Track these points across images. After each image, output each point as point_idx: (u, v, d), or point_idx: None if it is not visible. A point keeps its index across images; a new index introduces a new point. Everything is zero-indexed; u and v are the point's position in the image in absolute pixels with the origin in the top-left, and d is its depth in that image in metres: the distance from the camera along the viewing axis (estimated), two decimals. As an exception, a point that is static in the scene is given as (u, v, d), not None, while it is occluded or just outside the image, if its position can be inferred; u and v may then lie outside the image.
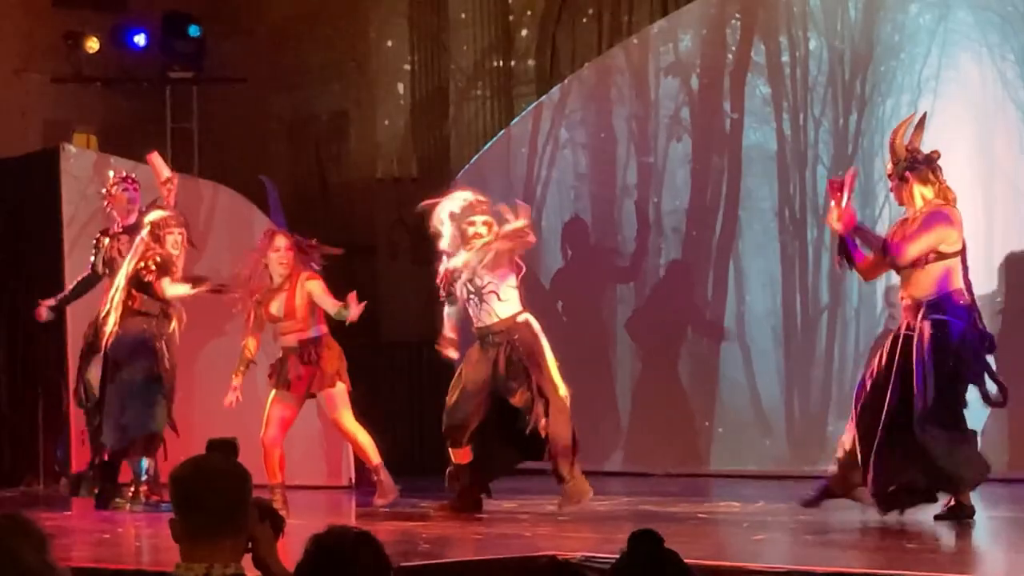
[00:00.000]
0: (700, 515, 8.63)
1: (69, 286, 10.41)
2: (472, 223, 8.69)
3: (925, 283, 7.93)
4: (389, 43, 13.34)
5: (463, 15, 12.99)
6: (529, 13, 12.84)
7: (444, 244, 8.80)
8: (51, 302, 10.26)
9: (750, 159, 11.59)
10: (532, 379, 8.51)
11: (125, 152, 12.12)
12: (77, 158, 11.91)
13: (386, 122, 13.40)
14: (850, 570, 6.27)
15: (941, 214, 7.97)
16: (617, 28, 12.27)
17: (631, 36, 12.09)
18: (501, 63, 12.92)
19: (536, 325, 8.72)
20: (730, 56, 11.70)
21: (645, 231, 11.80)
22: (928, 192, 8.05)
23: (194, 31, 13.12)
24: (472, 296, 8.72)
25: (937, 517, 7.81)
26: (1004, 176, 10.66)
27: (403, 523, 8.55)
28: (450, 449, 8.85)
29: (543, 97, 12.36)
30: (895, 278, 11.04)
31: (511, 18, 12.88)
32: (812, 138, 11.42)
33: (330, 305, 9.06)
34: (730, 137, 11.69)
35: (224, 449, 3.67)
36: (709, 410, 11.56)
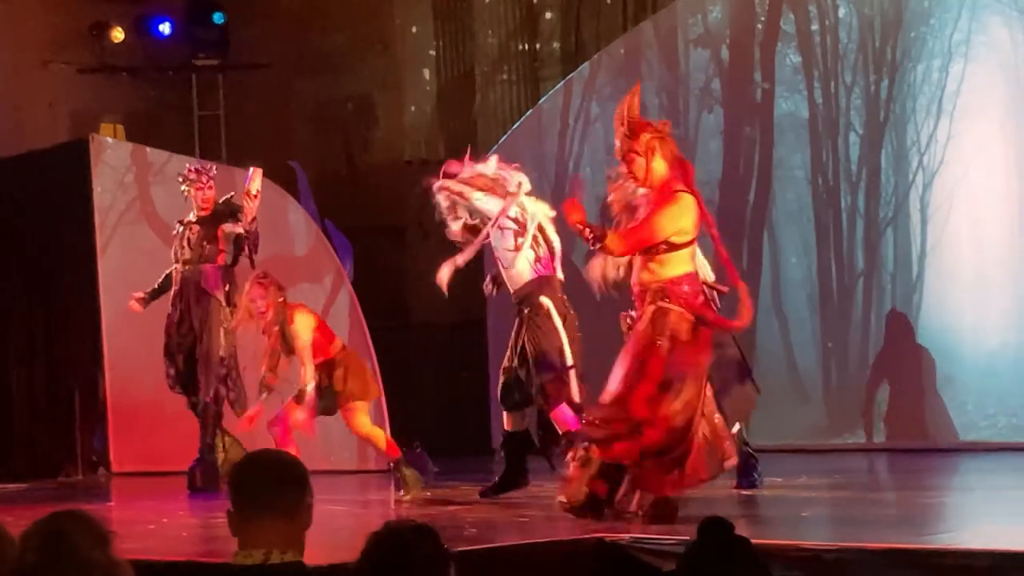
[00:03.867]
0: (743, 492, 8.58)
1: (159, 279, 10.37)
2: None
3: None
4: (414, 29, 13.28)
5: (487, -1, 12.95)
6: (553, -5, 12.79)
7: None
8: (141, 295, 10.24)
9: (782, 128, 11.53)
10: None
11: (152, 141, 12.12)
12: (113, 148, 11.92)
13: (412, 108, 13.36)
14: (901, 546, 6.22)
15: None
16: (642, 8, 12.21)
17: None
18: (526, 46, 12.86)
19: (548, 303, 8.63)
20: (759, 26, 11.63)
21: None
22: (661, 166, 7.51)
23: (218, 18, 13.07)
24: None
25: None
26: (1037, 138, 10.61)
27: (446, 507, 8.53)
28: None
29: (572, 73, 12.30)
30: (929, 243, 11.06)
31: (535, 1, 12.82)
32: (844, 105, 11.36)
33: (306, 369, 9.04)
34: (761, 107, 11.63)
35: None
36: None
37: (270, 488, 3.57)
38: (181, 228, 10.18)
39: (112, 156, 11.79)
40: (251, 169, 9.90)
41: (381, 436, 9.26)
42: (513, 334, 8.66)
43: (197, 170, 10.18)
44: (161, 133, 12.71)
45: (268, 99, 13.29)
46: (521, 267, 8.63)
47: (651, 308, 7.38)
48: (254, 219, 9.77)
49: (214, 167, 10.40)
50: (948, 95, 10.93)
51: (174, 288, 10.15)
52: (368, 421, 9.21)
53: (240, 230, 9.89)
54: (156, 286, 10.28)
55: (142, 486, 10.92)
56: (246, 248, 9.83)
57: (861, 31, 11.27)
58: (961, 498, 9.15)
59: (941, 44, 10.97)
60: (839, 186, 11.37)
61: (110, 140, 12.19)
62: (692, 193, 7.48)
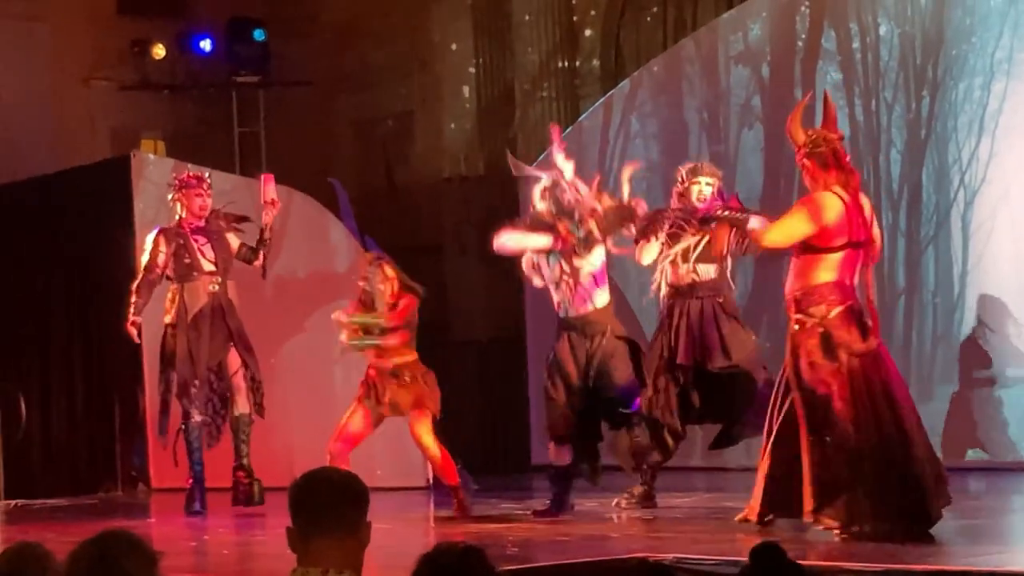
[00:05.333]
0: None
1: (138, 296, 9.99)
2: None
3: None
4: (454, 46, 13.31)
5: (527, 16, 12.94)
6: (593, 13, 12.78)
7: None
8: (138, 320, 9.94)
9: (823, 146, 11.47)
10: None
11: (193, 157, 12.17)
12: (155, 165, 11.97)
13: (452, 125, 13.38)
14: (946, 568, 6.17)
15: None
16: (682, 25, 12.20)
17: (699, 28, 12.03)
18: (566, 63, 12.87)
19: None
20: (800, 43, 11.61)
21: (719, 220, 11.71)
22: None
23: (259, 35, 13.14)
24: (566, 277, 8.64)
25: None
26: (1080, 156, 10.55)
27: (486, 525, 8.51)
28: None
29: (613, 90, 12.30)
30: (971, 261, 11.00)
31: (575, 18, 12.83)
32: (885, 123, 11.31)
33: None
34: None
35: None
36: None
37: (331, 506, 3.59)
38: (176, 239, 9.72)
39: (154, 172, 11.84)
40: (262, 176, 9.89)
41: (444, 456, 9.14)
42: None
43: (197, 176, 9.95)
44: (202, 150, 12.77)
45: (308, 116, 13.34)
46: (601, 296, 8.64)
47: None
48: (271, 228, 9.72)
49: (209, 175, 10.12)
50: (990, 113, 10.87)
51: (194, 303, 9.70)
52: (432, 439, 9.11)
53: (238, 243, 9.79)
54: (142, 302, 9.80)
55: (181, 502, 10.92)
56: (261, 257, 9.76)
57: (902, 49, 11.23)
58: (1006, 519, 9.08)
59: (983, 62, 10.92)
60: (880, 204, 11.30)
61: (152, 157, 12.26)
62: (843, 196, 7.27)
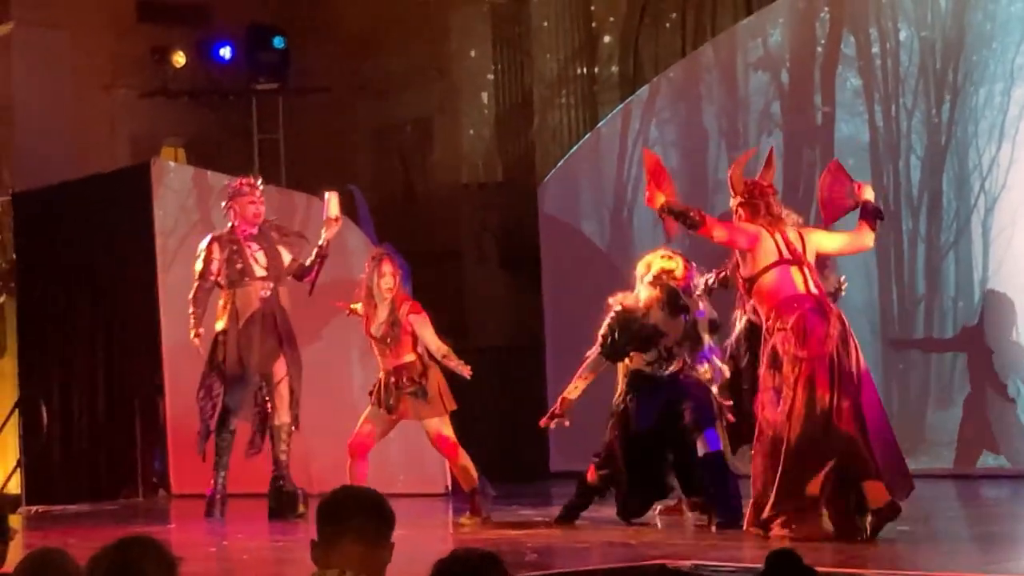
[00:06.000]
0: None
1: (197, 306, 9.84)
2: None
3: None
4: (472, 53, 13.32)
5: (545, 23, 12.94)
6: (612, 19, 12.77)
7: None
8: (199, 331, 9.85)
9: (842, 152, 11.45)
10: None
11: (212, 164, 12.20)
12: (175, 172, 12.00)
13: (471, 131, 13.39)
14: (969, 575, 6.15)
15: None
16: (701, 31, 12.19)
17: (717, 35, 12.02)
18: (584, 70, 12.86)
19: None
20: (819, 49, 11.59)
21: (738, 228, 11.70)
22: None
23: (278, 43, 13.17)
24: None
25: None
26: (1100, 161, 10.52)
27: (506, 531, 8.51)
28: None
29: (631, 97, 12.29)
30: (991, 268, 10.97)
31: (594, 25, 12.83)
32: (905, 129, 11.29)
33: (434, 346, 8.93)
34: (821, 130, 11.58)
35: None
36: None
37: (357, 520, 3.64)
38: (229, 245, 9.70)
39: (174, 180, 11.87)
40: (327, 194, 9.88)
41: (464, 458, 9.14)
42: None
43: (249, 183, 9.87)
44: (221, 157, 12.81)
45: (327, 123, 13.37)
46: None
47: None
48: (328, 243, 9.71)
49: (261, 181, 10.06)
50: (1010, 119, 10.85)
51: (246, 307, 9.67)
52: (451, 439, 9.12)
53: (290, 257, 9.79)
54: (200, 311, 9.75)
55: (202, 508, 10.94)
56: (313, 274, 9.76)
57: (922, 54, 11.21)
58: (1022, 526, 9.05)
59: (1003, 68, 10.89)
60: (900, 210, 11.30)
61: (172, 164, 12.30)
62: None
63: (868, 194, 7.99)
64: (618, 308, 8.48)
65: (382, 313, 9.02)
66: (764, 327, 7.73)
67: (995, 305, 10.93)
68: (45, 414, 12.20)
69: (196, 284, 9.71)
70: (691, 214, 7.63)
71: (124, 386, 12.03)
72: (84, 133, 12.87)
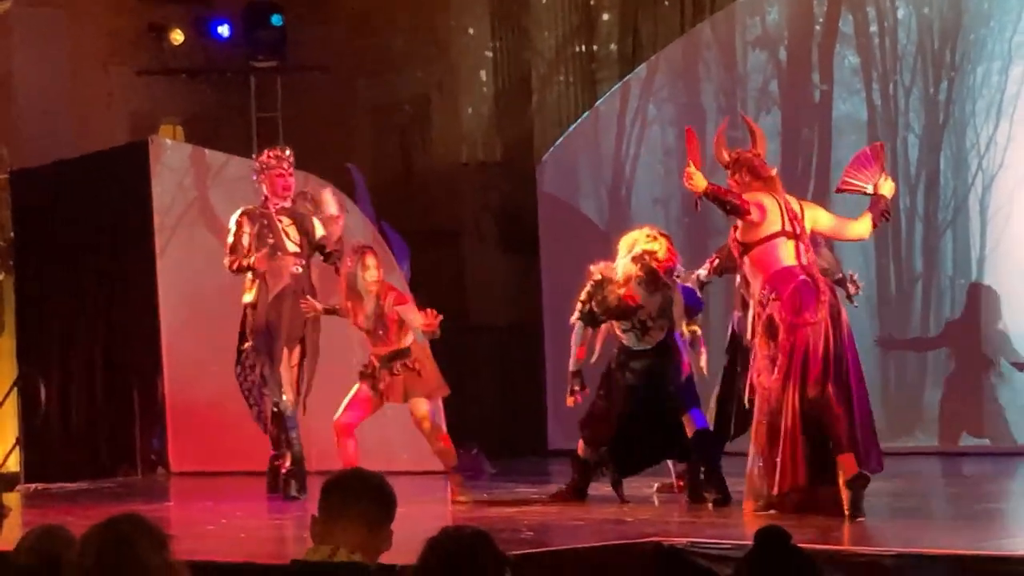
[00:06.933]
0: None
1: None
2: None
3: None
4: (471, 31, 13.29)
5: (544, 0, 12.92)
6: (611, -3, 12.76)
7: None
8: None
9: (840, 130, 11.47)
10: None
11: (210, 143, 12.19)
12: (173, 150, 12.00)
13: (469, 110, 13.37)
14: (961, 552, 6.18)
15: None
16: (699, 9, 12.17)
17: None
18: (583, 48, 12.84)
19: None
20: (818, 27, 11.58)
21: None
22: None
23: (277, 20, 13.12)
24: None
25: None
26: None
27: (502, 509, 8.54)
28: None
29: (630, 75, 12.28)
30: (989, 246, 10.97)
31: (592, 2, 12.80)
32: (902, 107, 11.30)
33: (418, 323, 8.94)
34: (819, 108, 11.58)
35: None
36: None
37: (358, 500, 3.68)
38: (260, 220, 9.53)
39: (171, 158, 11.87)
40: (322, 192, 9.80)
41: (444, 443, 9.19)
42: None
43: (277, 155, 9.69)
44: (219, 135, 12.79)
45: (325, 101, 13.34)
46: None
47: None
48: (340, 239, 9.62)
49: (290, 152, 9.81)
50: (1008, 98, 10.85)
51: (277, 282, 9.49)
52: (431, 423, 9.16)
53: (322, 232, 9.62)
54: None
55: (200, 486, 10.98)
56: (334, 267, 9.51)
57: (920, 33, 11.20)
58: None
59: (1001, 47, 10.89)
60: (898, 188, 11.24)
61: (169, 142, 12.28)
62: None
63: (887, 190, 8.04)
64: (597, 277, 8.64)
65: (368, 306, 9.05)
66: (755, 297, 7.79)
67: (993, 283, 10.94)
68: (44, 392, 12.21)
69: (229, 259, 9.54)
70: (736, 202, 7.68)
71: (123, 364, 12.05)
72: (82, 111, 12.84)
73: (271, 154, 9.71)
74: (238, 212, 9.68)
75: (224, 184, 11.54)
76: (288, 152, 9.76)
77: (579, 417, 8.83)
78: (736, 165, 7.92)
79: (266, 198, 9.63)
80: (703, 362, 8.71)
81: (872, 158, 8.10)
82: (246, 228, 9.54)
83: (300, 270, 9.57)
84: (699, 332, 8.73)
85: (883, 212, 8.02)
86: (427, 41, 13.26)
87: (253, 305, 9.54)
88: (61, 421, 12.22)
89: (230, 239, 9.59)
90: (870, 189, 8.03)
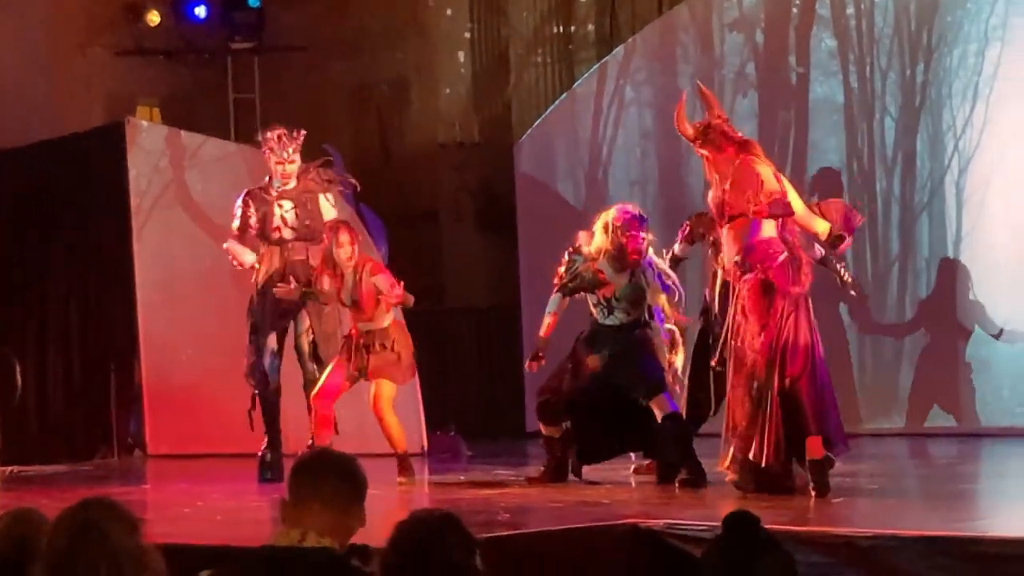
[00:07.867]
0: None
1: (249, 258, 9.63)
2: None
3: None
4: (448, 11, 13.27)
5: (522, -19, 12.91)
6: (588, -23, 12.74)
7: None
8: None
9: (817, 112, 11.49)
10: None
11: (187, 123, 12.14)
12: (149, 132, 11.95)
13: (447, 90, 13.36)
14: (936, 533, 6.20)
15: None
16: (678, -10, 12.16)
17: (692, -3, 12.00)
18: (561, 29, 12.83)
19: None
20: (795, 10, 11.59)
21: (713, 188, 11.70)
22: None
23: (253, 1, 13.08)
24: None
25: None
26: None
27: (481, 491, 8.55)
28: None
29: (607, 57, 12.27)
30: (965, 228, 11.00)
31: (570, -17, 12.79)
32: (879, 89, 11.32)
33: (384, 289, 8.93)
34: (796, 91, 11.60)
35: None
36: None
37: (328, 482, 3.63)
38: (263, 203, 9.49)
39: (147, 139, 11.83)
40: (320, 196, 9.67)
41: (397, 428, 9.19)
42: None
43: (279, 137, 9.51)
44: (196, 116, 12.74)
45: (303, 82, 13.30)
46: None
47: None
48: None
49: (299, 133, 9.65)
50: (984, 79, 10.87)
51: (270, 267, 9.46)
52: (391, 410, 9.16)
53: (332, 211, 9.53)
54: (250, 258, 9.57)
55: (177, 468, 10.96)
56: None
57: (897, 15, 11.21)
58: (997, 484, 9.12)
59: (977, 28, 10.91)
60: (874, 171, 11.33)
61: (145, 124, 12.23)
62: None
63: (851, 226, 8.09)
64: (576, 245, 8.72)
65: (348, 280, 9.06)
66: (729, 263, 7.84)
67: (968, 265, 10.98)
68: (19, 374, 12.17)
69: (237, 238, 9.55)
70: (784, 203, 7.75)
71: (99, 346, 12.01)
72: (59, 93, 12.78)
73: (271, 136, 9.56)
74: (243, 193, 9.65)
75: (200, 165, 11.51)
76: (296, 133, 9.59)
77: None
78: (707, 133, 7.93)
79: (269, 178, 9.59)
80: (679, 363, 8.70)
81: (847, 215, 8.15)
82: (251, 208, 9.52)
83: (295, 256, 9.46)
84: (678, 334, 8.73)
85: (837, 238, 8.05)
86: (405, 22, 13.23)
87: (257, 288, 9.56)
88: (38, 404, 12.18)
89: (236, 223, 9.56)
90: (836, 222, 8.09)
